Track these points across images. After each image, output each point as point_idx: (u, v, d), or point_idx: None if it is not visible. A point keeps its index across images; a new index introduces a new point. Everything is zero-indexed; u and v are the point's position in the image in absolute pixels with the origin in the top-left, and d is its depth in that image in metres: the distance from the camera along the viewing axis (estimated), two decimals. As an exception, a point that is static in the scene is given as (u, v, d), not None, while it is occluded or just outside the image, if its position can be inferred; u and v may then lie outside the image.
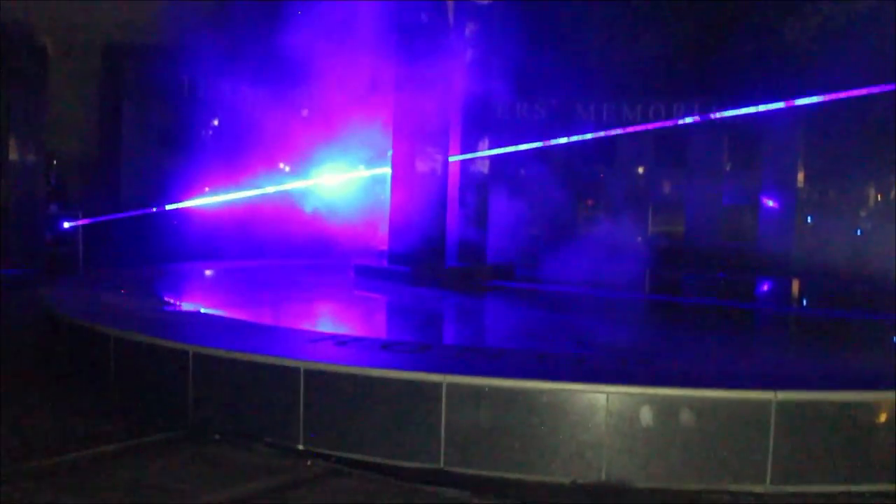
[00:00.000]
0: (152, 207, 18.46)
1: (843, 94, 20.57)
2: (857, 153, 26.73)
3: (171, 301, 9.62)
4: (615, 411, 5.21)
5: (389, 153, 14.34)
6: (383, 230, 14.70)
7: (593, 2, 24.74)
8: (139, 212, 17.80)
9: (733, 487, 5.14)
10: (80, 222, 17.00)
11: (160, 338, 6.70)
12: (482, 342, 8.82)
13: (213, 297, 11.86)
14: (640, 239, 27.56)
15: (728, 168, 28.33)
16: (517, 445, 5.31)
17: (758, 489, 5.14)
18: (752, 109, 23.55)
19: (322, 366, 5.81)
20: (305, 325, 7.97)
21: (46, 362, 8.57)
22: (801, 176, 27.41)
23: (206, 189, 20.69)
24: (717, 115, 25.41)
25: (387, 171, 14.53)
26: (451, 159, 14.38)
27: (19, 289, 14.65)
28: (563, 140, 22.44)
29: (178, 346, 6.47)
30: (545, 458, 5.27)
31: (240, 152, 21.49)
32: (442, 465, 5.41)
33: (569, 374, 5.66)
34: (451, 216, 14.54)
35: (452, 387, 5.42)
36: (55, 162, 20.01)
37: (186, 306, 9.51)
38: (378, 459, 5.54)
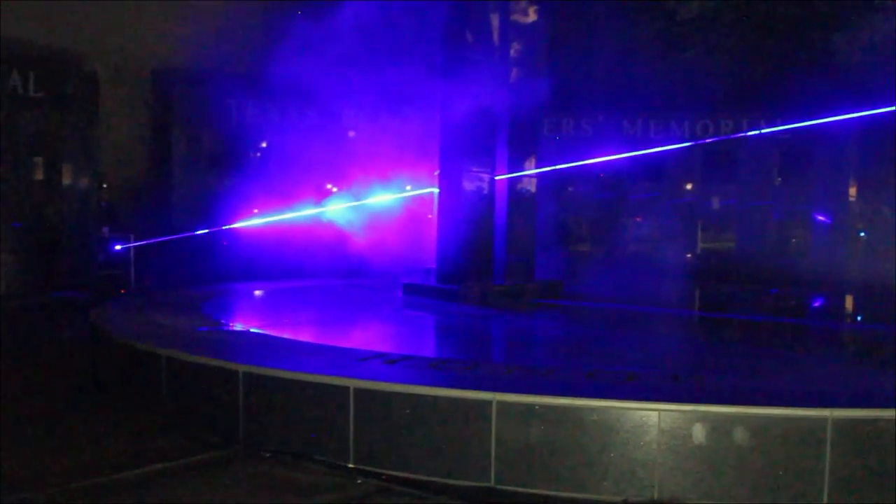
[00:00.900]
0: (201, 229, 18.63)
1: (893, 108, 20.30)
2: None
3: (221, 321, 9.69)
4: (667, 429, 5.15)
5: (436, 172, 14.37)
6: (431, 249, 14.72)
7: (640, 18, 24.65)
8: (189, 233, 17.98)
9: (789, 506, 5.06)
10: (131, 244, 17.21)
11: (210, 357, 6.75)
12: (531, 360, 8.76)
13: (262, 317, 11.93)
14: (689, 255, 27.31)
15: (778, 182, 28.00)
16: (568, 463, 5.27)
17: (814, 508, 5.05)
18: (802, 124, 23.31)
19: (371, 384, 5.81)
20: (354, 344, 7.98)
21: (99, 382, 8.66)
22: (853, 190, 27.02)
23: (254, 210, 20.85)
24: (767, 129, 25.18)
25: (434, 190, 14.56)
26: (497, 178, 14.37)
27: (72, 310, 14.89)
28: (610, 157, 22.35)
29: (229, 365, 6.50)
30: (596, 476, 5.22)
31: (287, 174, 21.63)
32: (492, 483, 5.38)
33: (619, 391, 5.60)
34: (498, 234, 14.53)
35: (502, 405, 5.39)
36: (106, 185, 20.28)
37: (236, 326, 9.57)
38: (428, 477, 5.53)
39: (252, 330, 9.28)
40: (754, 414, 5.12)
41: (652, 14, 23.37)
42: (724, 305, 15.47)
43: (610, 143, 24.34)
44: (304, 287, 15.67)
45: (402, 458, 5.64)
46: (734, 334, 11.38)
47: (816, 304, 16.90)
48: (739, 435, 5.09)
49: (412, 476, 5.55)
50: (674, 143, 25.51)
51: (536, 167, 15.31)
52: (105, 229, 18.81)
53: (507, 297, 13.61)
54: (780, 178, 27.87)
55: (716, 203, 28.02)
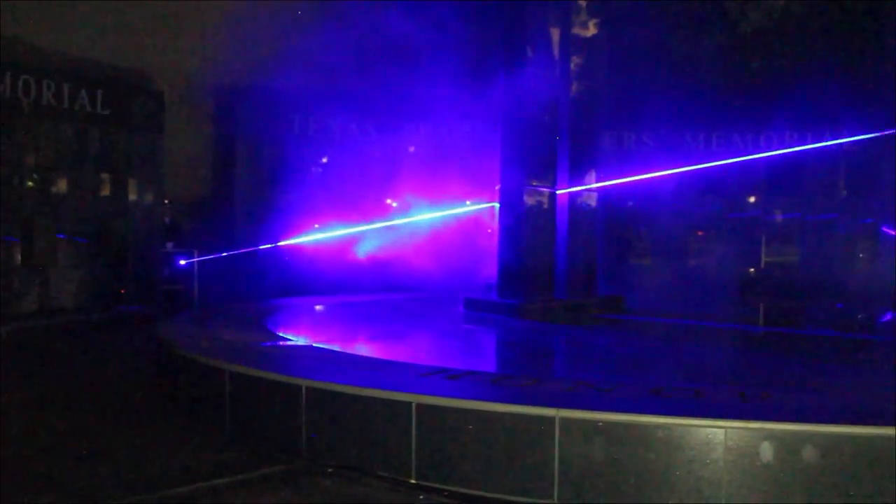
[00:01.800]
0: (263, 244, 18.82)
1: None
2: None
3: (284, 335, 9.77)
4: (734, 447, 5.06)
5: (497, 187, 14.38)
6: (492, 264, 14.71)
7: (702, 29, 24.47)
8: (251, 248, 18.17)
9: (860, 526, 4.95)
10: (194, 259, 17.43)
11: (274, 372, 6.80)
12: (594, 375, 8.70)
13: (324, 331, 12.00)
14: (752, 269, 26.96)
15: (844, 195, 27.57)
16: (632, 481, 5.21)
17: (887, 528, 4.94)
18: (867, 136, 22.91)
19: (433, 399, 5.80)
20: (416, 359, 7.99)
21: (164, 396, 8.78)
22: (921, 202, 26.49)
23: (315, 225, 21.01)
24: (832, 142, 24.80)
25: (494, 205, 14.56)
26: (558, 192, 14.34)
27: (138, 325, 15.12)
28: (673, 171, 22.16)
29: (292, 380, 6.54)
30: (662, 494, 5.15)
31: (348, 189, 21.79)
32: (556, 500, 5.33)
33: (684, 408, 5.53)
34: (559, 249, 14.48)
35: (565, 421, 5.35)
36: (170, 201, 20.59)
37: (298, 341, 9.64)
38: (491, 494, 5.50)
39: (314, 345, 9.34)
40: (823, 432, 5.01)
41: (714, 26, 23.17)
42: (789, 320, 15.24)
43: (672, 156, 24.15)
44: (365, 302, 15.76)
45: (463, 475, 5.62)
46: (800, 350, 11.20)
47: (884, 319, 16.57)
48: (808, 453, 4.99)
49: (474, 492, 5.53)
50: (736, 156, 25.22)
51: (597, 181, 15.23)
52: (169, 244, 19.10)
53: (568, 312, 13.56)
54: (846, 190, 27.43)
55: (779, 216, 27.65)
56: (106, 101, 18.53)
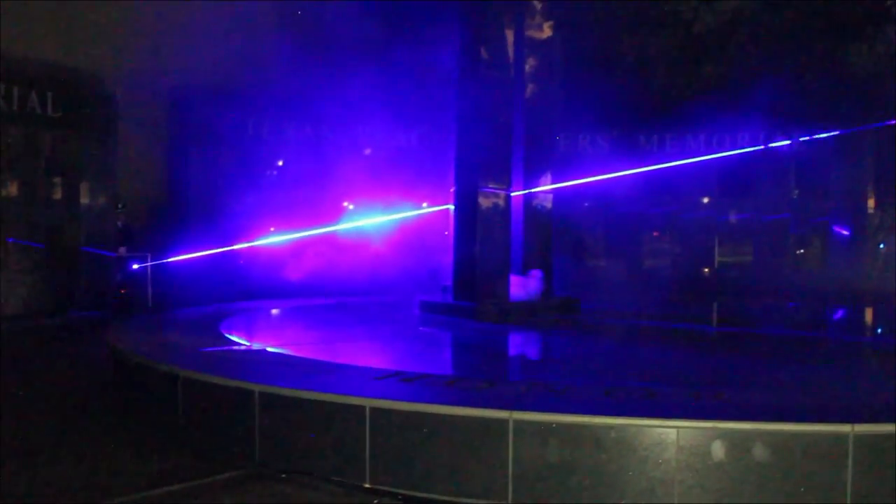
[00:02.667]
0: (218, 248, 18.68)
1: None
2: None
3: (238, 340, 9.69)
4: (686, 446, 5.09)
5: (452, 189, 14.37)
6: (448, 266, 14.70)
7: (656, 32, 24.67)
8: (206, 252, 18.02)
9: (810, 523, 4.99)
10: (148, 264, 17.27)
11: (226, 377, 6.74)
12: (549, 377, 8.71)
13: (279, 336, 11.93)
14: (706, 269, 27.21)
15: (795, 195, 27.89)
16: (586, 482, 5.22)
17: (836, 525, 4.99)
18: (818, 136, 23.21)
19: (387, 403, 5.78)
20: (371, 363, 7.96)
21: (115, 402, 8.67)
22: (871, 201, 26.88)
23: (271, 229, 20.89)
24: (783, 142, 25.10)
25: (450, 207, 14.55)
26: (513, 194, 14.36)
27: (89, 329, 14.93)
28: (627, 172, 22.30)
29: (244, 384, 6.49)
30: (614, 494, 5.17)
31: (304, 192, 21.71)
32: (510, 502, 5.33)
33: (637, 408, 5.56)
34: (515, 250, 14.50)
35: (519, 423, 5.35)
36: (123, 205, 20.38)
37: (252, 345, 9.57)
38: (445, 497, 5.49)
39: (268, 349, 9.27)
40: (774, 430, 5.06)
41: (668, 28, 23.37)
42: (742, 320, 15.38)
43: (626, 157, 24.31)
44: (320, 305, 15.68)
45: (418, 478, 5.60)
46: (752, 349, 11.30)
47: (836, 317, 16.79)
48: (759, 451, 5.03)
49: (428, 496, 5.52)
50: (689, 157, 25.45)
51: (552, 183, 15.27)
52: (122, 249, 18.89)
53: (523, 314, 13.57)
54: (797, 191, 27.76)
55: (733, 217, 27.92)
56: (57, 104, 18.31)
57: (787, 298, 19.79)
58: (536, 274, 14.39)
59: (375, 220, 20.10)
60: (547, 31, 15.33)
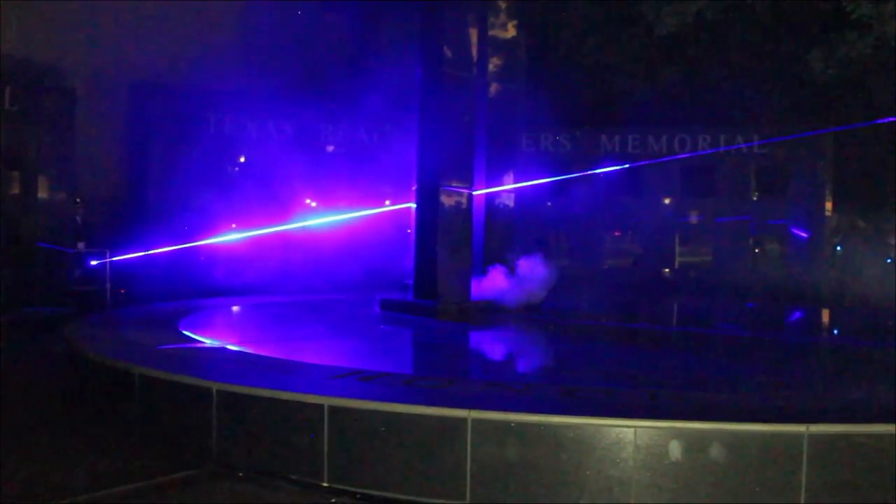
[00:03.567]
0: (179, 244, 18.53)
1: (870, 122, 20.45)
2: (885, 181, 26.54)
3: (196, 338, 9.62)
4: (643, 446, 5.12)
5: (414, 188, 14.35)
6: (409, 264, 14.67)
7: (619, 34, 24.79)
8: (166, 249, 17.87)
9: (765, 522, 5.03)
10: (106, 260, 17.09)
11: (184, 375, 6.68)
12: (508, 376, 8.73)
13: (238, 333, 11.86)
14: (667, 269, 27.40)
15: (755, 198, 28.17)
16: (544, 481, 5.23)
17: (790, 523, 5.03)
18: (778, 139, 23.43)
19: (346, 402, 5.76)
20: (329, 361, 7.92)
21: (73, 400, 8.57)
22: (829, 204, 27.22)
23: (233, 225, 20.77)
24: (744, 145, 25.34)
25: (412, 205, 14.52)
26: (475, 193, 14.37)
27: (46, 326, 14.75)
28: (589, 172, 22.40)
29: (202, 383, 6.43)
30: (572, 493, 5.18)
31: (266, 189, 21.60)
32: (468, 501, 5.33)
33: (596, 408, 5.57)
34: (476, 249, 14.51)
35: (478, 422, 5.35)
36: (82, 200, 20.17)
37: (211, 343, 9.50)
38: (403, 496, 5.48)
39: (227, 347, 9.21)
40: (730, 430, 5.10)
41: (631, 30, 23.49)
42: (701, 320, 15.50)
43: (588, 157, 24.43)
44: (280, 302, 15.62)
45: (376, 477, 5.58)
46: (710, 349, 11.38)
47: (793, 318, 16.96)
48: (715, 451, 5.06)
49: (386, 495, 5.50)
50: (651, 158, 25.63)
51: (514, 182, 15.30)
52: (80, 244, 18.70)
53: (484, 312, 13.59)
54: (757, 193, 28.04)
55: (693, 218, 28.15)
56: (14, 97, 18.07)
57: (745, 299, 19.97)
58: (498, 273, 14.41)
59: (337, 217, 20.03)
60: (511, 31, 15.36)
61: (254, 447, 6.13)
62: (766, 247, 29.16)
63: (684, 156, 25.82)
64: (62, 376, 9.48)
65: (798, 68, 20.47)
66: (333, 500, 5.50)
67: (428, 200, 13.99)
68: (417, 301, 13.85)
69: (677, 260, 28.04)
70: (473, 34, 14.51)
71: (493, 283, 14.33)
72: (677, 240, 28.04)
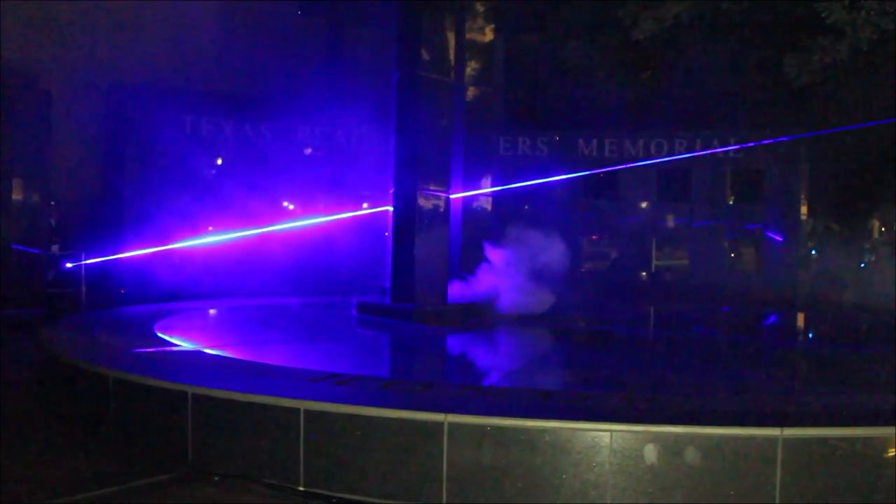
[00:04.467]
0: (155, 247, 18.42)
1: (845, 128, 20.60)
2: (860, 186, 26.73)
3: (171, 341, 9.58)
4: (619, 450, 5.13)
5: (392, 191, 14.33)
6: (386, 267, 14.65)
7: (596, 37, 24.85)
8: (141, 251, 17.77)
9: (740, 526, 5.06)
10: (82, 262, 16.96)
11: (159, 379, 6.65)
12: (484, 380, 8.74)
13: (214, 336, 11.81)
14: (644, 273, 27.48)
15: (731, 202, 28.30)
16: (520, 485, 5.24)
17: (765, 527, 5.06)
18: (754, 143, 23.56)
19: (322, 405, 5.75)
20: (306, 364, 7.90)
21: (46, 404, 8.51)
22: (804, 209, 27.37)
23: (210, 228, 20.67)
24: (720, 149, 25.46)
25: (389, 208, 14.51)
26: (452, 196, 14.37)
27: (20, 329, 14.62)
28: (566, 175, 22.45)
29: (177, 386, 6.41)
30: (548, 497, 5.19)
31: (242, 191, 21.50)
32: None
33: (572, 412, 5.59)
34: (454, 252, 14.51)
35: (454, 426, 5.35)
36: (58, 202, 20.03)
37: (186, 346, 9.46)
38: (379, 500, 5.48)
39: (203, 350, 9.17)
40: (705, 434, 5.12)
41: (608, 34, 23.56)
42: (678, 324, 15.56)
43: (565, 161, 24.49)
44: (257, 306, 15.56)
45: (352, 481, 5.58)
46: (686, 353, 11.44)
47: (768, 322, 17.06)
48: (690, 455, 5.09)
49: (363, 499, 5.50)
50: (628, 162, 25.70)
51: (492, 185, 15.33)
52: (55, 246, 18.54)
53: (461, 316, 13.58)
54: (733, 197, 28.15)
55: (670, 221, 28.23)
56: (-14, 99, 17.93)
57: (721, 303, 20.06)
58: (475, 276, 14.42)
59: (314, 220, 19.98)
60: (489, 35, 15.39)
61: (229, 451, 6.11)
62: (742, 251, 29.29)
63: (661, 160, 25.90)
64: (36, 379, 9.42)
65: (773, 73, 20.60)
66: (309, 504, 5.49)
67: (405, 203, 13.98)
68: (394, 304, 13.84)
69: (654, 263, 28.11)
70: (451, 37, 14.52)
71: (471, 286, 14.34)
72: (654, 243, 28.10)
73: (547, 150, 26.38)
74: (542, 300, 14.01)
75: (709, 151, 25.55)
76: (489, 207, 15.23)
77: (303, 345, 10.86)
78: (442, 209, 14.09)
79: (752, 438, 5.12)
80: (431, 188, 13.92)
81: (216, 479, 5.95)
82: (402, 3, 14.43)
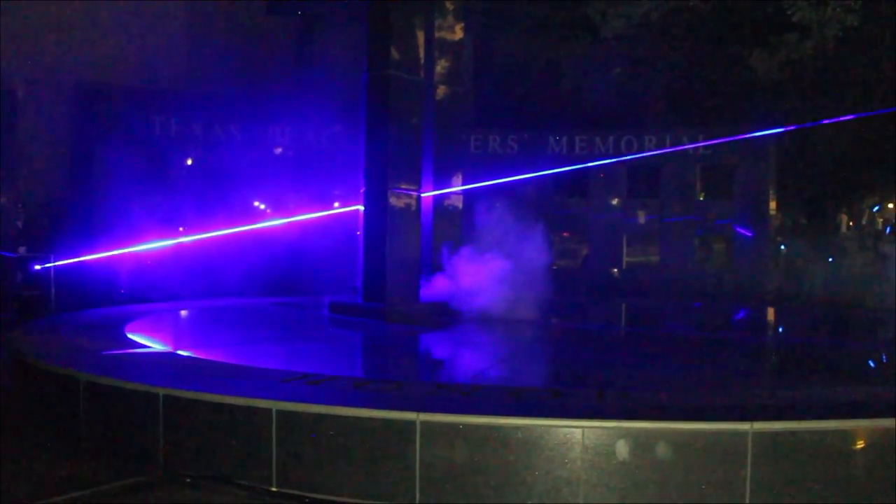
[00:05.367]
0: (125, 248, 18.30)
1: (812, 124, 20.79)
2: (828, 182, 27.00)
3: (143, 342, 9.52)
4: (591, 446, 5.16)
5: (362, 190, 14.31)
6: (358, 266, 14.63)
7: (565, 36, 24.94)
8: (111, 253, 17.64)
9: (711, 519, 5.10)
10: (51, 264, 16.82)
11: (130, 381, 6.61)
12: (457, 378, 8.75)
13: (186, 338, 11.76)
14: (616, 270, 27.61)
15: (701, 198, 28.49)
16: (493, 482, 5.25)
17: (736, 520, 5.10)
18: (723, 139, 23.72)
19: (294, 406, 5.73)
20: (278, 365, 7.88)
21: (16, 407, 8.44)
22: (773, 204, 27.60)
23: (181, 229, 20.58)
24: (690, 145, 25.61)
25: (360, 207, 14.49)
26: (423, 195, 14.38)
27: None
28: (537, 173, 22.51)
29: (149, 388, 6.37)
30: (521, 494, 5.21)
31: (214, 192, 21.42)
32: (417, 503, 5.34)
33: (544, 409, 5.61)
34: (425, 251, 14.52)
35: (426, 425, 5.35)
36: (24, 204, 19.86)
37: (157, 348, 9.41)
38: (352, 500, 5.47)
39: (174, 351, 9.13)
40: (676, 429, 5.16)
41: (577, 32, 23.66)
42: (649, 320, 15.65)
43: (536, 159, 24.55)
44: (229, 306, 15.50)
45: (325, 481, 5.57)
46: (657, 349, 11.50)
47: (737, 317, 17.19)
48: (662, 450, 5.12)
49: (336, 499, 5.49)
50: (598, 159, 25.81)
51: (463, 184, 15.34)
52: (22, 248, 18.37)
53: (433, 315, 13.60)
54: (703, 194, 28.34)
55: (641, 218, 28.37)
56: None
57: (692, 298, 20.19)
58: (447, 275, 14.43)
59: (286, 220, 19.93)
60: (459, 33, 15.39)
61: (201, 452, 6.08)
62: (713, 246, 29.50)
63: (630, 157, 26.04)
64: (4, 383, 9.33)
65: (741, 70, 20.75)
66: (282, 505, 5.48)
67: (376, 202, 13.97)
68: (366, 304, 13.83)
69: (625, 260, 28.26)
70: (421, 36, 14.53)
71: (443, 285, 14.35)
72: (625, 240, 28.26)
73: (517, 148, 26.46)
74: (513, 298, 14.02)
75: (678, 148, 25.71)
76: (460, 206, 15.24)
77: (274, 345, 10.83)
78: (413, 208, 14.09)
79: (722, 432, 5.16)
80: (402, 187, 13.91)
81: (188, 481, 5.92)
82: (372, 2, 14.42)
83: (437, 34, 14.94)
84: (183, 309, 15.25)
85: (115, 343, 9.20)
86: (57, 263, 16.86)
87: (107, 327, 10.85)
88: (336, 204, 20.56)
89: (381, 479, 5.44)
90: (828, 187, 27.47)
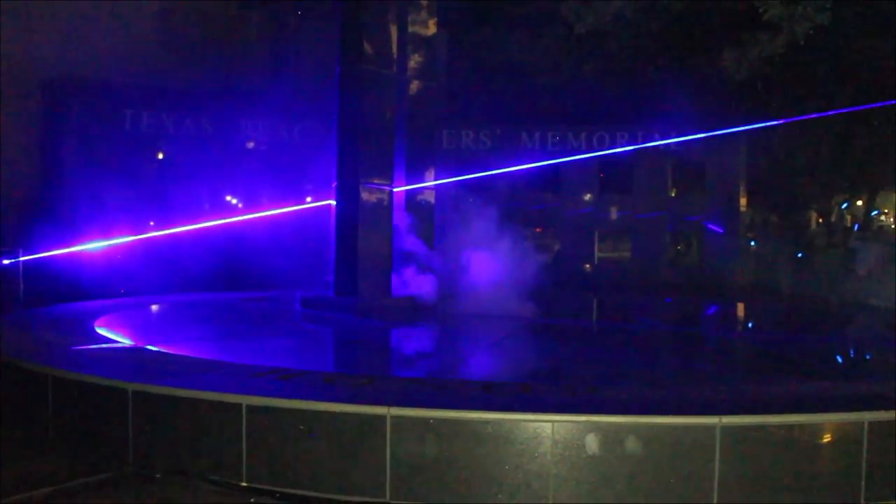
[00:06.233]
0: (96, 242, 18.18)
1: (782, 121, 20.93)
2: (798, 178, 27.18)
3: (112, 338, 9.47)
4: (561, 440, 5.18)
5: (334, 184, 14.28)
6: (330, 261, 14.60)
7: (538, 31, 24.98)
8: (81, 247, 17.52)
9: (680, 512, 5.14)
10: (19, 259, 16.68)
11: (99, 376, 6.57)
12: (428, 373, 8.75)
13: (156, 333, 11.68)
14: (588, 265, 27.72)
15: (673, 194, 28.63)
16: (463, 476, 5.26)
17: (705, 513, 5.14)
18: (694, 136, 23.85)
19: (265, 400, 5.72)
20: (249, 360, 7.86)
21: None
22: (743, 200, 27.79)
23: (151, 223, 20.46)
24: (661, 142, 25.73)
25: (332, 202, 14.45)
26: (396, 189, 14.36)
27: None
28: (509, 169, 22.54)
29: (118, 384, 6.34)
30: (492, 488, 5.22)
31: (185, 186, 21.30)
32: (388, 498, 5.34)
33: (514, 403, 5.62)
34: (397, 246, 14.51)
35: (397, 419, 5.36)
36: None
37: (127, 343, 9.36)
38: (323, 495, 5.47)
39: (144, 347, 9.08)
40: (645, 423, 5.19)
41: (550, 28, 23.69)
42: (619, 315, 15.72)
43: (509, 154, 24.58)
44: (200, 301, 15.42)
45: (295, 476, 5.56)
46: (628, 344, 11.56)
47: (707, 313, 17.29)
48: (631, 444, 5.15)
49: (306, 493, 5.48)
50: (571, 155, 25.88)
51: (435, 179, 15.34)
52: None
53: (405, 309, 13.60)
54: (674, 190, 28.49)
55: (613, 214, 28.50)
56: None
57: (663, 293, 20.29)
58: (419, 269, 14.43)
59: (258, 214, 19.86)
60: (432, 28, 15.38)
61: (172, 448, 6.06)
62: (683, 242, 29.68)
63: (602, 152, 26.14)
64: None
65: (712, 67, 20.86)
66: (253, 500, 5.47)
67: (348, 197, 13.94)
68: (338, 298, 13.81)
69: (597, 256, 28.38)
70: (394, 31, 14.50)
71: (414, 279, 14.34)
72: (597, 236, 28.38)
73: (490, 144, 26.50)
74: (486, 293, 14.05)
75: (650, 144, 25.82)
76: (432, 201, 15.24)
77: (245, 340, 10.80)
78: (385, 203, 14.07)
79: (691, 427, 5.20)
80: (374, 182, 13.89)
81: (158, 476, 5.90)
82: (345, -2, 14.39)
83: (410, 29, 14.93)
84: (153, 304, 15.15)
85: (84, 338, 9.16)
86: (26, 258, 16.72)
87: (76, 322, 10.78)
88: (308, 198, 20.51)
89: (352, 474, 5.44)
90: (798, 185, 27.67)
